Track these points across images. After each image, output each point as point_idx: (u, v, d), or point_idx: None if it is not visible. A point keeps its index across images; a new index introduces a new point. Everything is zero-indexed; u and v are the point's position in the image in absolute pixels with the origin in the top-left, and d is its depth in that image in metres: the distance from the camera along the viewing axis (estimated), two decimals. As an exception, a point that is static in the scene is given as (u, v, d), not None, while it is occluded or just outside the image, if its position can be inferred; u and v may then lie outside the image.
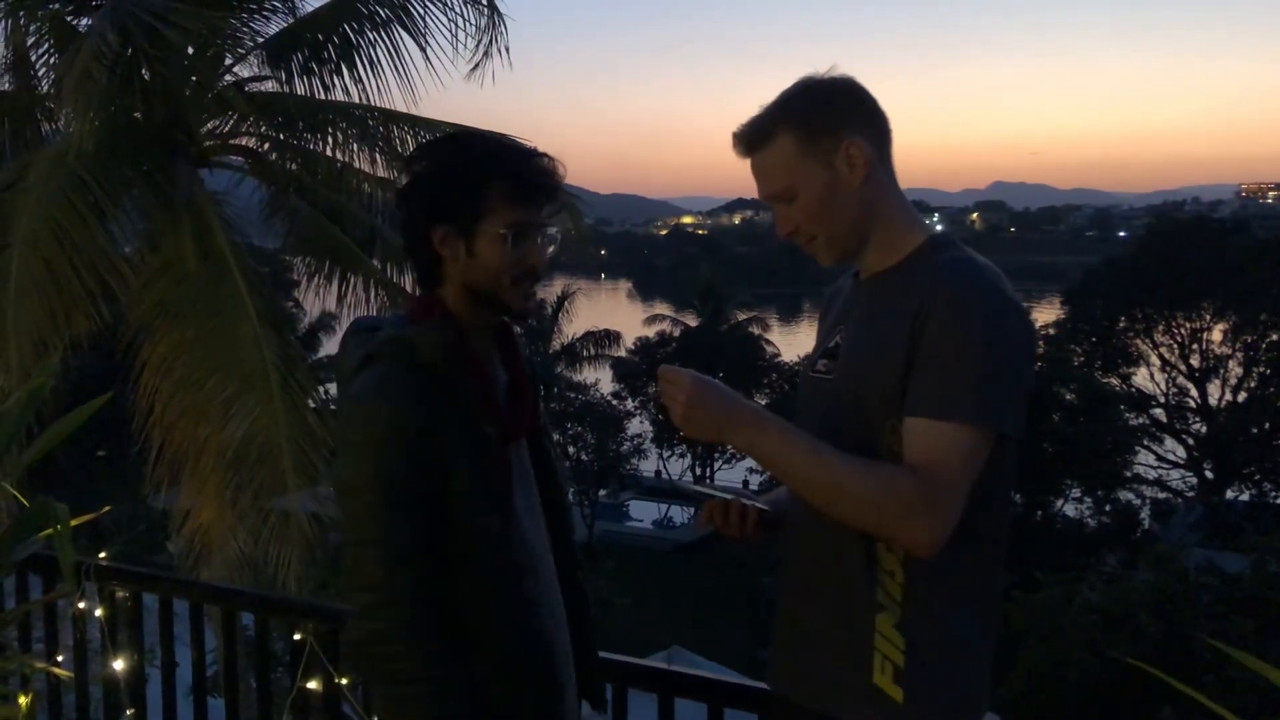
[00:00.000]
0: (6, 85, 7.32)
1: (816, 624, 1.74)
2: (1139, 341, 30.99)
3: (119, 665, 2.97)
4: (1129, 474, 27.10)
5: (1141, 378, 30.94)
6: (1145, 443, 29.18)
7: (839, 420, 1.68)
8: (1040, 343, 29.82)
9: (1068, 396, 26.84)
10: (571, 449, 37.84)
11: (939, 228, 1.83)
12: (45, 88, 7.28)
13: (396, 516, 1.67)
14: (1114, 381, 30.04)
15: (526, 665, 1.79)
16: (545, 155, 1.79)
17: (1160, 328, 30.74)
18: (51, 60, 7.18)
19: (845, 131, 1.70)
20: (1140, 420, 29.83)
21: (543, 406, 2.00)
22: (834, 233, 1.74)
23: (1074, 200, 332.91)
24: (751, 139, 1.75)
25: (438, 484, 1.70)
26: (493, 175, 1.72)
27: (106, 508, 3.13)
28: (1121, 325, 30.99)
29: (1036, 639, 12.64)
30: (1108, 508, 26.19)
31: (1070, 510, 27.10)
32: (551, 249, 1.82)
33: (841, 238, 1.75)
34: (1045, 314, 36.34)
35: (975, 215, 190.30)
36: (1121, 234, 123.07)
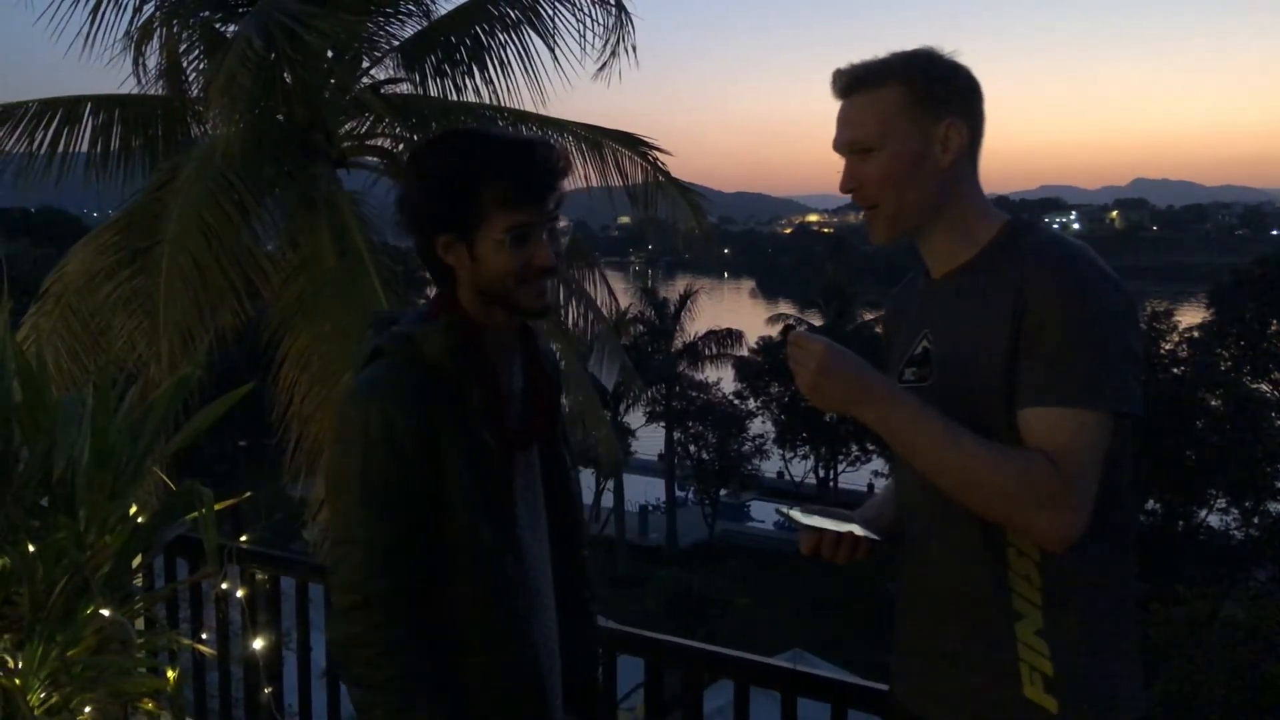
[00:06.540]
0: (160, 90, 7.68)
1: (953, 642, 1.65)
2: (1292, 346, 29.42)
3: (258, 645, 3.07)
4: (1280, 484, 25.75)
5: (1295, 383, 29.36)
6: (1299, 452, 27.69)
7: None
8: (1184, 346, 28.57)
9: (1213, 403, 25.68)
10: (692, 448, 37.91)
11: (1076, 226, 1.72)
12: (195, 92, 7.62)
13: (381, 519, 1.63)
14: (1264, 387, 28.61)
15: (510, 684, 1.73)
16: (541, 146, 1.69)
17: (1317, 331, 29.13)
18: (201, 66, 7.52)
19: (952, 108, 1.64)
20: (1293, 429, 28.31)
21: (563, 414, 1.92)
22: (902, 205, 1.66)
23: (1221, 197, 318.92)
24: (860, 77, 1.67)
25: (430, 489, 1.65)
26: (484, 181, 1.64)
27: (247, 493, 3.25)
28: (1274, 328, 29.46)
29: (1177, 655, 12.09)
30: (1256, 519, 24.98)
31: (1215, 521, 25.93)
32: (565, 240, 1.74)
33: (906, 214, 1.67)
34: (1190, 316, 34.75)
35: (1114, 213, 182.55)
36: (1274, 232, 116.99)
